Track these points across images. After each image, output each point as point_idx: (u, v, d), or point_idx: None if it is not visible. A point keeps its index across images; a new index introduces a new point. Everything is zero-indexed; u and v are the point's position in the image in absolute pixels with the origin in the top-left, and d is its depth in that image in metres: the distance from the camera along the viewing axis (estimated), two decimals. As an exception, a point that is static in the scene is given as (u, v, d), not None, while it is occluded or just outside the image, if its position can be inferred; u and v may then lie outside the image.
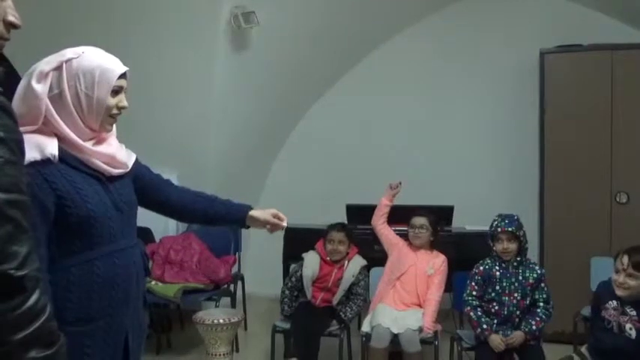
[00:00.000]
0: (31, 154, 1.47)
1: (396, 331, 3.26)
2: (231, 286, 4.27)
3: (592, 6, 4.68)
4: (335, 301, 3.61)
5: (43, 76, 1.54)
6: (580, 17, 4.72)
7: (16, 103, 1.55)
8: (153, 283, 3.92)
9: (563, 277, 3.95)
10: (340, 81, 5.42)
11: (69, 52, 1.59)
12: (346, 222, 4.40)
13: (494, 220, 3.19)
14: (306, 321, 3.48)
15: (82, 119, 1.58)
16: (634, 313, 2.62)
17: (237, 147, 4.83)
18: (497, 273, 3.14)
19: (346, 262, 3.67)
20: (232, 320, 3.45)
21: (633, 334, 2.60)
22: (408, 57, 5.20)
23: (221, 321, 3.40)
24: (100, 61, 1.60)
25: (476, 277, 3.20)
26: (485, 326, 3.06)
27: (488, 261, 3.21)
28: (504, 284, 3.11)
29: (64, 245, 1.54)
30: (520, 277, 3.11)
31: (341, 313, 3.55)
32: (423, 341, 3.29)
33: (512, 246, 3.11)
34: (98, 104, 1.58)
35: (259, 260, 5.07)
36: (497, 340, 3.00)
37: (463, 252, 3.90)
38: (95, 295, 1.57)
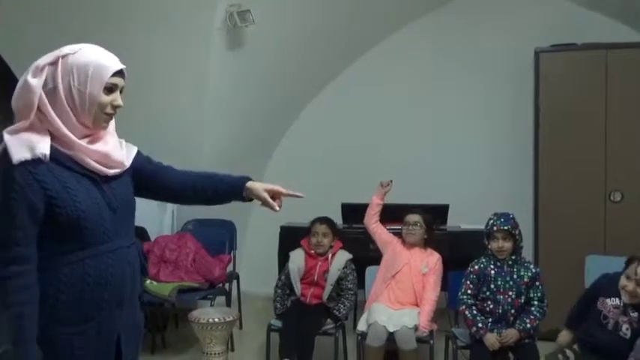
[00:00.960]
0: (21, 154, 1.48)
1: (391, 329, 3.26)
2: (227, 285, 4.27)
3: (586, 5, 4.70)
4: (325, 296, 3.62)
5: (38, 71, 1.55)
6: (575, 16, 4.73)
7: (14, 99, 1.57)
8: (148, 282, 3.90)
9: (558, 276, 3.96)
10: (335, 80, 5.42)
11: (66, 48, 1.59)
12: (341, 221, 4.43)
13: (490, 219, 3.20)
14: (298, 320, 3.49)
15: (75, 115, 1.56)
16: (635, 315, 2.62)
17: (232, 146, 4.82)
18: (492, 272, 3.15)
19: (330, 255, 3.69)
20: (227, 319, 3.45)
21: (628, 334, 2.61)
22: (404, 56, 5.21)
23: (216, 320, 3.40)
24: (95, 58, 1.58)
25: (471, 276, 3.21)
26: (480, 325, 3.06)
27: (484, 260, 3.21)
28: (499, 283, 3.12)
29: (55, 245, 1.54)
30: (515, 276, 3.11)
31: (335, 311, 3.56)
32: (419, 340, 3.30)
33: (508, 244, 3.11)
34: (90, 100, 1.56)
35: (254, 259, 5.08)
36: (492, 339, 3.01)
37: (458, 251, 3.91)
38: (86, 295, 1.56)
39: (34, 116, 1.53)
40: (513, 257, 3.14)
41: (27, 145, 1.50)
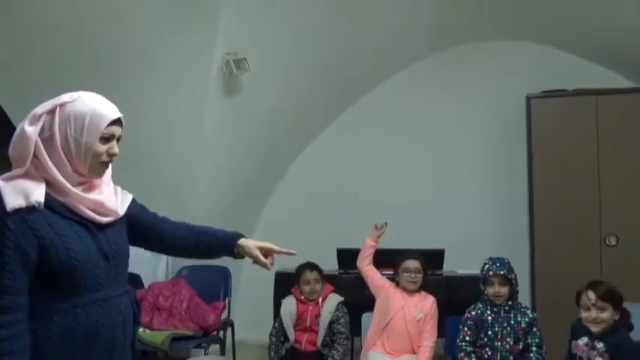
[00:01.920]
0: (16, 201, 1.48)
1: None
2: (221, 333, 4.19)
3: (576, 53, 4.80)
4: (319, 342, 3.56)
5: (35, 119, 1.56)
6: (565, 63, 4.83)
7: (11, 146, 1.58)
8: (141, 330, 3.84)
9: (555, 320, 3.90)
10: (330, 126, 5.47)
11: (65, 97, 1.60)
12: (337, 266, 4.40)
13: (485, 264, 3.18)
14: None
15: (70, 163, 1.57)
16: (601, 345, 2.61)
17: (227, 191, 4.82)
18: (489, 317, 3.11)
19: (320, 299, 3.65)
20: (222, 368, 3.38)
21: None
22: (397, 102, 5.27)
23: (210, 369, 3.33)
24: (92, 107, 1.59)
25: (468, 322, 3.17)
26: None
27: (480, 305, 3.18)
28: (496, 329, 3.08)
29: (46, 293, 1.52)
30: (512, 322, 3.08)
31: (329, 358, 3.50)
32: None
33: (504, 290, 3.09)
34: (86, 149, 1.57)
35: (250, 306, 5.01)
36: None
37: (455, 296, 3.87)
38: (77, 344, 1.54)
39: (29, 163, 1.54)
40: (510, 302, 3.11)
41: (22, 192, 1.50)
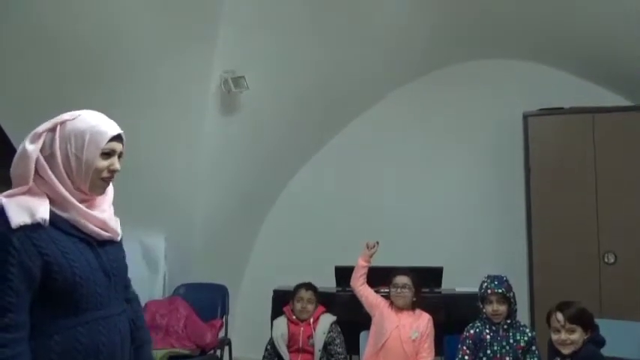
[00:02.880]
0: (21, 218, 1.47)
1: None
2: (218, 351, 4.17)
3: (573, 71, 4.83)
4: None
5: (36, 137, 1.57)
6: (561, 82, 4.85)
7: (13, 166, 1.58)
8: (137, 348, 3.82)
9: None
10: (328, 144, 5.49)
11: (66, 115, 1.61)
12: (335, 284, 4.38)
13: (484, 282, 3.16)
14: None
15: (72, 181, 1.58)
16: None
17: (225, 209, 4.82)
18: (488, 336, 3.09)
19: (311, 319, 3.63)
20: (218, 388, 3.35)
21: None
22: (395, 120, 5.29)
23: (207, 389, 3.30)
24: (93, 124, 1.61)
25: (467, 341, 3.14)
26: None
27: (479, 324, 3.16)
28: (495, 348, 3.05)
29: (48, 310, 1.51)
30: (511, 340, 3.06)
31: (329, 380, 3.47)
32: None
33: (502, 308, 3.07)
34: (87, 166, 1.58)
35: (247, 324, 4.98)
36: None
37: (453, 314, 3.85)
38: None
39: (32, 181, 1.54)
40: (509, 321, 3.09)
41: (26, 209, 1.49)
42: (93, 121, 1.62)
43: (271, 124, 4.73)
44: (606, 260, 4.17)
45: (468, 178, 5.12)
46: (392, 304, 3.52)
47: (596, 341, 2.62)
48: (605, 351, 2.65)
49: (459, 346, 3.17)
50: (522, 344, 3.05)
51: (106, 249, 1.65)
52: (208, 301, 4.38)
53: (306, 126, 5.11)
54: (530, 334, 3.09)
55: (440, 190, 5.17)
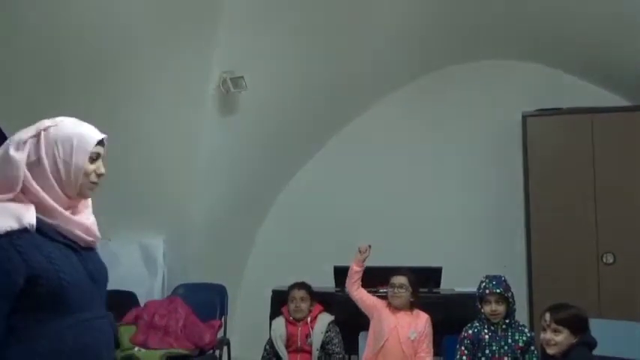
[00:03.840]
0: (7, 223, 1.46)
1: None
2: (217, 352, 4.16)
3: (571, 72, 4.84)
4: None
5: (21, 145, 1.55)
6: (560, 82, 4.86)
7: None
8: (136, 349, 3.81)
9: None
10: (327, 144, 5.50)
11: (47, 122, 1.61)
12: (334, 284, 4.38)
13: (482, 282, 3.16)
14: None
15: (60, 187, 1.57)
16: None
17: (224, 209, 4.82)
18: (487, 336, 3.09)
19: (309, 319, 3.64)
20: (217, 388, 3.34)
21: None
22: (394, 120, 5.30)
23: (206, 388, 3.30)
24: (77, 129, 1.62)
25: (465, 342, 3.14)
26: None
27: (477, 324, 3.15)
28: (494, 348, 3.06)
29: (32, 315, 1.50)
30: (509, 340, 3.06)
31: (327, 380, 3.48)
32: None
33: (501, 308, 3.07)
34: (76, 171, 1.59)
35: (246, 324, 4.98)
36: None
37: (452, 314, 3.84)
38: None
39: (19, 189, 1.53)
40: (507, 321, 3.09)
41: (12, 215, 1.48)
42: (77, 126, 1.63)
43: (270, 125, 4.73)
44: (605, 260, 4.18)
45: (466, 178, 5.13)
46: (389, 304, 3.51)
47: (587, 343, 2.62)
48: (603, 351, 2.65)
49: (458, 346, 3.17)
50: (521, 344, 3.05)
51: (89, 254, 1.66)
52: (207, 301, 4.37)
53: (305, 126, 5.11)
54: (528, 334, 3.09)
55: (439, 190, 5.18)
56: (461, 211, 5.12)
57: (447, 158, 5.18)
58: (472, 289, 3.39)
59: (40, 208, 1.54)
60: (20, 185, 1.53)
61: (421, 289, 4.19)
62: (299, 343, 3.61)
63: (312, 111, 4.97)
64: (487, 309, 3.09)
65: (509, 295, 3.09)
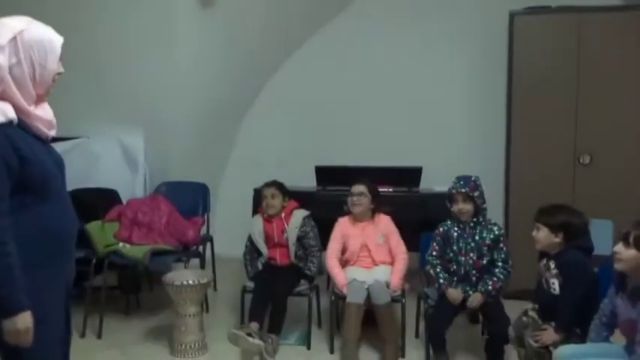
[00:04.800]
0: None
1: (368, 285, 3.34)
2: (200, 248, 4.26)
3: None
4: (292, 256, 3.68)
5: (2, 49, 1.65)
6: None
7: None
8: (121, 245, 3.89)
9: (528, 237, 4.03)
10: (310, 39, 5.34)
11: (18, 23, 1.69)
12: (315, 183, 4.44)
13: (453, 182, 3.25)
14: (271, 282, 3.54)
15: (33, 87, 1.72)
16: (553, 265, 2.72)
17: (204, 107, 4.76)
18: (455, 234, 3.22)
19: (283, 214, 3.73)
20: (201, 281, 3.46)
21: (557, 288, 2.69)
22: (379, 16, 5.14)
23: (190, 282, 3.41)
24: (47, 34, 1.74)
25: (437, 238, 3.29)
26: (442, 281, 3.17)
27: (449, 222, 3.28)
28: (461, 244, 3.19)
29: (19, 199, 1.67)
30: (477, 238, 3.18)
31: (306, 271, 3.62)
32: (392, 299, 3.36)
33: (467, 207, 3.16)
34: (49, 72, 1.75)
35: (228, 221, 5.07)
36: (454, 294, 3.12)
37: (430, 213, 3.94)
38: (46, 246, 1.72)
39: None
40: (475, 219, 3.19)
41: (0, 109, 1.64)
42: (45, 30, 1.75)
43: (250, 18, 4.59)
44: (582, 161, 4.24)
45: (451, 78, 5.08)
46: (351, 217, 3.62)
47: (583, 247, 2.71)
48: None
49: (431, 242, 3.31)
50: (488, 241, 3.17)
51: (52, 148, 1.85)
52: (190, 199, 4.43)
53: (286, 21, 4.95)
54: (497, 232, 3.20)
55: (422, 91, 5.13)
56: (444, 112, 5.11)
57: (431, 58, 5.09)
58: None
59: (14, 107, 1.69)
60: (3, 85, 1.66)
61: (400, 189, 4.29)
62: (276, 238, 3.72)
63: (294, 5, 4.80)
64: (455, 208, 3.21)
65: (476, 194, 3.16)
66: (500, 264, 3.16)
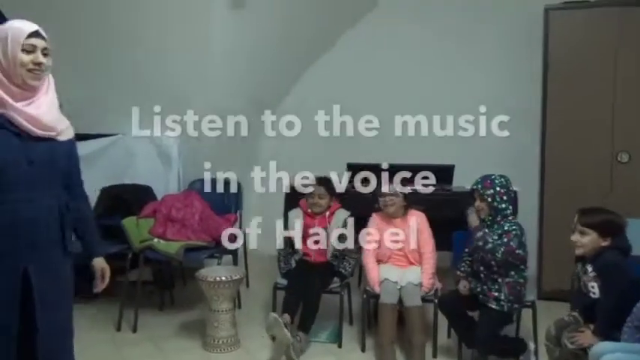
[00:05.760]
0: None
1: (400, 286, 3.34)
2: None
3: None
4: (328, 255, 3.67)
5: None
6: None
7: None
8: (155, 240, 3.95)
9: (564, 237, 3.96)
10: (338, 41, 5.33)
11: None
12: (347, 180, 4.43)
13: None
14: (304, 278, 3.53)
15: (6, 77, 1.83)
16: (590, 268, 2.66)
17: (237, 102, 4.78)
18: (477, 232, 3.15)
19: (328, 214, 3.72)
20: (234, 277, 3.49)
21: (596, 292, 2.63)
22: (413, 13, 5.10)
23: (223, 278, 3.44)
24: (12, 24, 1.86)
25: (472, 235, 3.24)
26: (458, 273, 3.24)
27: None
28: (479, 243, 3.09)
29: None
30: (495, 236, 3.07)
31: (340, 269, 3.61)
32: (424, 299, 3.34)
33: (482, 205, 3.12)
34: (13, 62, 1.83)
35: (261, 218, 5.08)
36: (462, 284, 3.17)
37: (463, 211, 3.90)
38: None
39: None
40: (490, 217, 3.12)
41: None
42: (12, 22, 1.87)
43: (281, 20, 4.59)
44: (620, 159, 4.15)
45: (486, 74, 5.01)
46: (385, 215, 3.61)
47: (619, 247, 2.65)
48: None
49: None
50: (506, 240, 3.04)
51: (39, 143, 1.90)
52: (223, 195, 4.46)
53: (319, 21, 4.95)
54: (506, 228, 3.07)
55: (456, 88, 5.06)
56: (478, 108, 5.03)
57: (467, 55, 5.04)
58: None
59: None
60: None
61: (433, 186, 4.25)
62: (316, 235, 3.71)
63: (324, 3, 4.80)
64: (475, 205, 3.18)
65: (489, 193, 3.08)
66: (515, 266, 3.06)
